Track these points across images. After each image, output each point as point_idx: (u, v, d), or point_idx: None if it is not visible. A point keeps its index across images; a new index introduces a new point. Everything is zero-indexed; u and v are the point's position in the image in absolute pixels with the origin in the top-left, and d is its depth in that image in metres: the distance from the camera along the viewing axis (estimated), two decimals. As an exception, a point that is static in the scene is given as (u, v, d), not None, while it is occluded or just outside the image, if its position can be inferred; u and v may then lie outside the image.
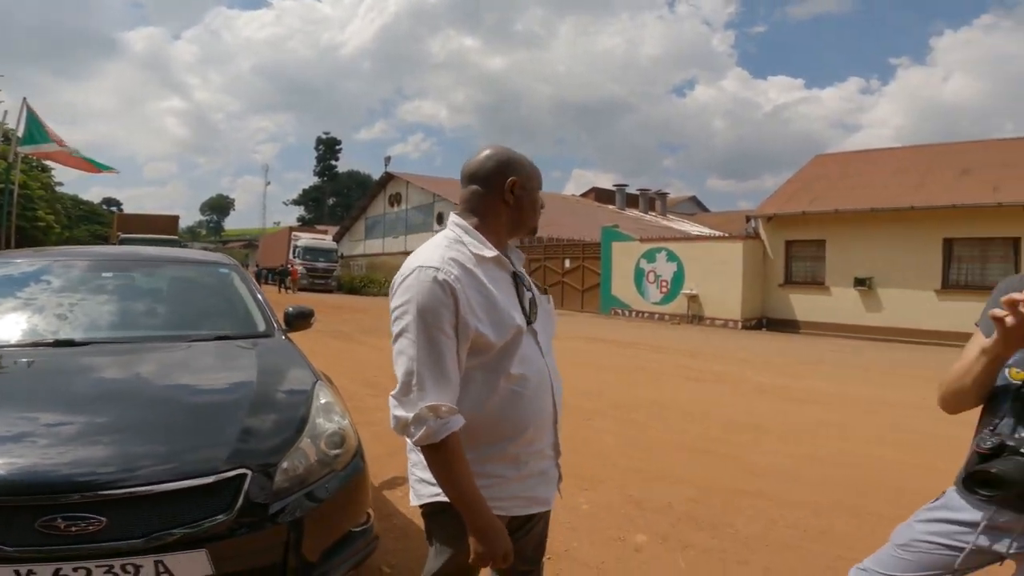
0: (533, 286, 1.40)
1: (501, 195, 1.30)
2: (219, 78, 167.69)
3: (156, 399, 2.05)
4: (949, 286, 12.63)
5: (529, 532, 1.44)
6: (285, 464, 1.79)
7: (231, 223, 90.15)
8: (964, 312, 12.61)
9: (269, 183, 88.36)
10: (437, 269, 1.19)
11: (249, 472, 1.67)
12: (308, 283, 26.29)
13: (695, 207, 43.36)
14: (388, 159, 38.01)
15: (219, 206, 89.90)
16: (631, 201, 32.70)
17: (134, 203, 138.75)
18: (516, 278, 1.34)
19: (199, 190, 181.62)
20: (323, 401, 2.18)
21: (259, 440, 1.83)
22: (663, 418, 5.38)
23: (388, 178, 30.60)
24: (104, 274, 3.19)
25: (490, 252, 1.28)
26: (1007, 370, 1.26)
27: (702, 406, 5.90)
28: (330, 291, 26.39)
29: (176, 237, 25.39)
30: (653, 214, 32.02)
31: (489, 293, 1.24)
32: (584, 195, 36.87)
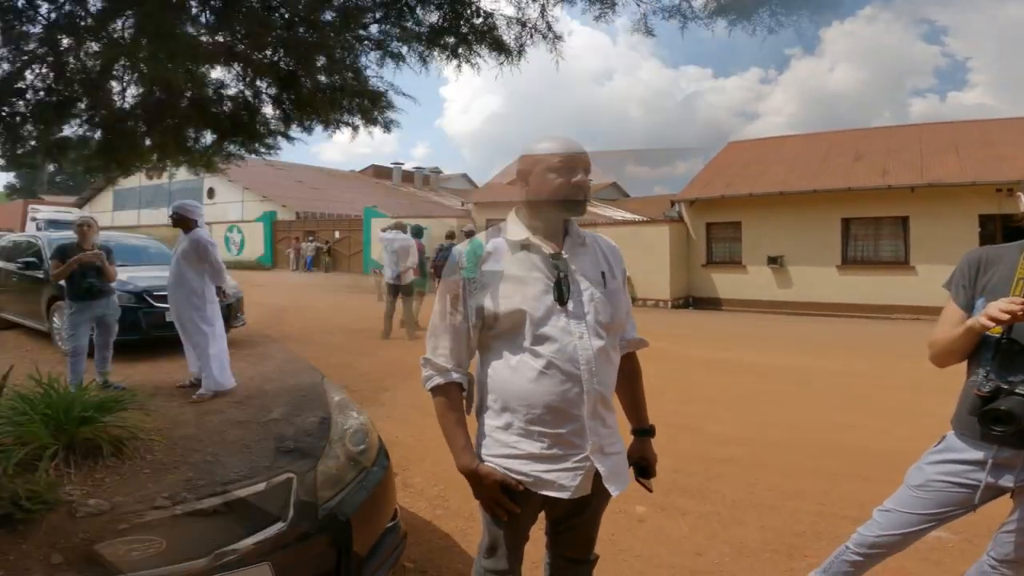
0: (577, 272, 1.38)
1: (517, 182, 1.42)
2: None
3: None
4: (848, 262, 13.88)
5: (581, 524, 1.47)
6: (321, 466, 1.71)
7: None
8: (861, 285, 14.13)
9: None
10: (459, 252, 1.39)
11: (294, 476, 1.57)
12: None
13: (617, 192, 44.58)
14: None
15: None
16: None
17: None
18: (553, 259, 1.36)
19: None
20: (337, 398, 2.09)
21: (292, 441, 1.73)
22: (623, 396, 5.56)
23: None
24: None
25: (517, 236, 1.38)
26: None
27: (656, 382, 6.07)
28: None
29: None
30: (579, 200, 32.66)
31: (502, 272, 1.35)
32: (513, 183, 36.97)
